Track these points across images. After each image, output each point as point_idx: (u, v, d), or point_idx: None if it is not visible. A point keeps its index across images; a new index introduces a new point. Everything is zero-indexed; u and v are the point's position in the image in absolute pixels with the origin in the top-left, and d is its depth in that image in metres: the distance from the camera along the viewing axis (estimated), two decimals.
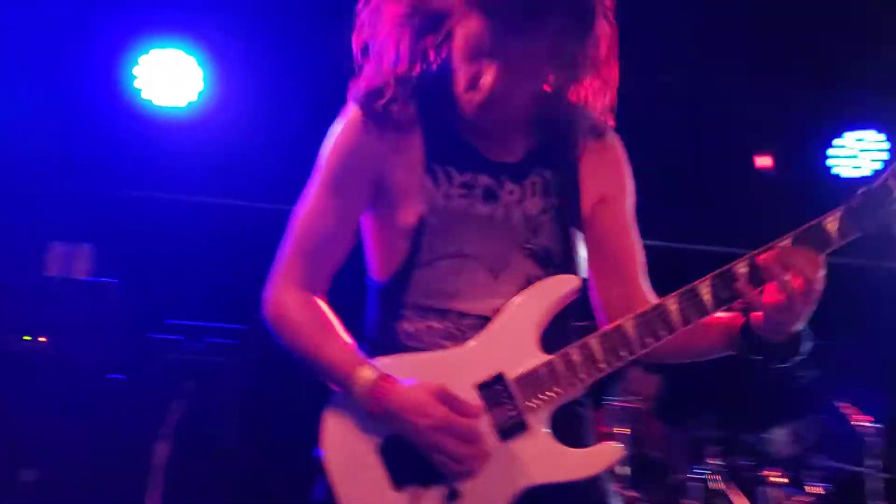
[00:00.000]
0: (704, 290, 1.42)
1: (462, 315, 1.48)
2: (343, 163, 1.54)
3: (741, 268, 1.42)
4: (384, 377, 1.42)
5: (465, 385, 1.43)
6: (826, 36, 5.02)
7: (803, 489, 3.97)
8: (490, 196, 1.51)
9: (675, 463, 4.16)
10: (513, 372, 1.43)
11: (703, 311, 1.42)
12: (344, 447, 1.45)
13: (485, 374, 1.44)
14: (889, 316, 5.21)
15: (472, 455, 1.38)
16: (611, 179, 1.61)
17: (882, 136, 5.75)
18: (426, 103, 1.52)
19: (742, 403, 4.48)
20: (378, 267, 1.56)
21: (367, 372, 1.42)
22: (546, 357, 1.44)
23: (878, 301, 5.44)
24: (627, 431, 3.71)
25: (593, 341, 1.43)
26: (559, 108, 1.54)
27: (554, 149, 1.56)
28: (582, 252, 1.57)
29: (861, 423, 3.93)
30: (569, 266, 1.53)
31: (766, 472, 3.94)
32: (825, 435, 4.21)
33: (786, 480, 3.96)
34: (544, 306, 1.48)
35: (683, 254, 5.77)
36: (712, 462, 3.92)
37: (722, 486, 3.80)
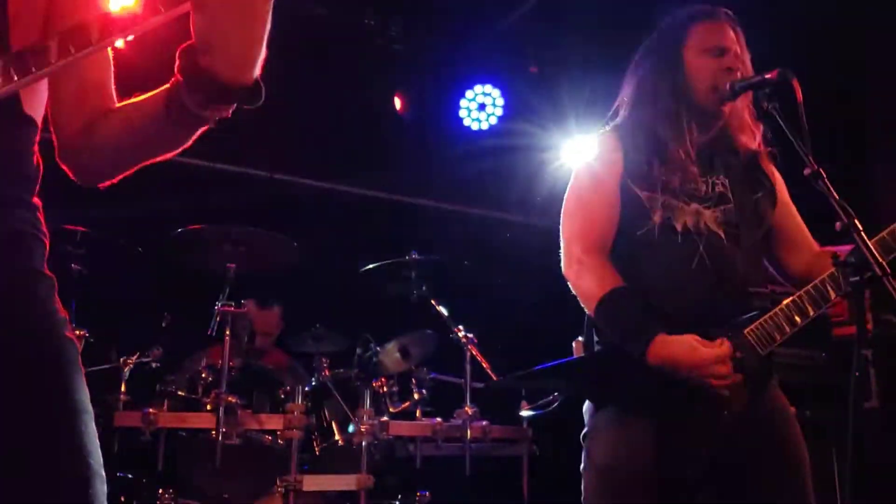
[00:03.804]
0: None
1: None
2: None
3: None
4: None
5: None
6: None
7: (410, 396, 4.27)
8: None
9: (292, 378, 4.25)
10: None
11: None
12: None
13: None
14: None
15: None
16: None
17: (498, 91, 6.39)
18: None
19: (358, 321, 4.69)
20: None
21: None
22: None
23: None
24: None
25: None
26: None
27: None
28: None
29: (460, 337, 4.28)
30: None
31: (376, 383, 4.14)
32: (430, 349, 4.56)
33: (395, 390, 4.22)
34: None
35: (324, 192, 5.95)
36: (326, 374, 4.07)
37: (335, 394, 3.95)
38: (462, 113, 6.39)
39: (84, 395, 1.38)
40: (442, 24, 5.81)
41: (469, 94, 6.39)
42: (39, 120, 1.47)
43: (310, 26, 5.24)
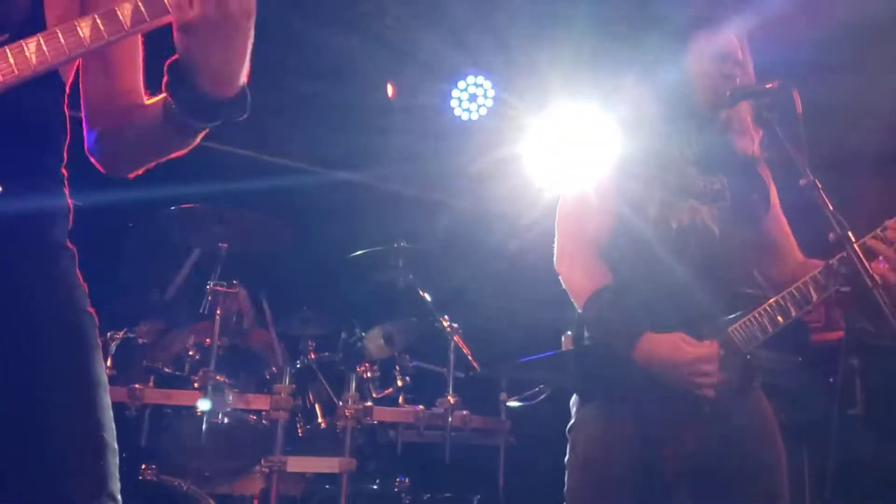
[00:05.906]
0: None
1: None
2: None
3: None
4: None
5: None
6: None
7: (393, 383, 4.31)
8: None
9: (276, 359, 4.26)
10: None
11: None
12: None
13: None
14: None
15: None
16: None
17: (490, 83, 6.40)
18: None
19: (345, 306, 4.71)
20: None
21: None
22: None
23: None
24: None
25: None
26: None
27: None
28: None
29: (445, 326, 4.31)
30: None
31: (360, 368, 4.16)
32: (414, 337, 4.59)
33: (377, 375, 4.25)
34: None
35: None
36: (311, 357, 4.09)
37: (319, 376, 3.98)
38: (453, 103, 6.41)
39: (100, 369, 1.42)
40: (437, 13, 5.80)
41: (461, 84, 6.41)
42: (69, 84, 1.50)
43: (303, 10, 5.23)
